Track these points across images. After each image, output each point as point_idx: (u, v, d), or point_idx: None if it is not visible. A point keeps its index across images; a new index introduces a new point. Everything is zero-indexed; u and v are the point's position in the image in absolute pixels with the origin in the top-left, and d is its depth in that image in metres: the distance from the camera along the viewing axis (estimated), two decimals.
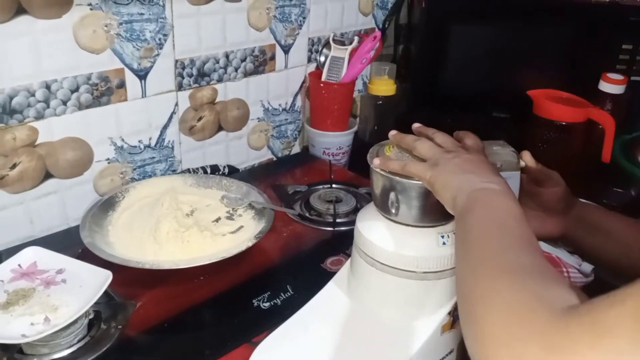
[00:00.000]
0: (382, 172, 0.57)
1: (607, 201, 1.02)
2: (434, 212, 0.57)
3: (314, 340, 0.60)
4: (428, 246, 0.57)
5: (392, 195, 0.57)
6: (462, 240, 0.49)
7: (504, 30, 1.13)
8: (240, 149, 1.10)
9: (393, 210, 0.57)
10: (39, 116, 0.80)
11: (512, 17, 1.12)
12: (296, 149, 1.23)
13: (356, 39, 1.14)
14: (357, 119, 1.25)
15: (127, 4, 0.83)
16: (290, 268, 0.80)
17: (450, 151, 0.56)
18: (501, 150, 0.63)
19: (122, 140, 0.91)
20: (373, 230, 0.60)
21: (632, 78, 1.10)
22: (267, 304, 0.71)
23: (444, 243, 0.56)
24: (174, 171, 1.00)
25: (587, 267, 0.83)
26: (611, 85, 1.06)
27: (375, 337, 0.59)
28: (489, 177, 0.52)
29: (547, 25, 1.13)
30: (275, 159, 1.19)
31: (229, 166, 1.07)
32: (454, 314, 0.60)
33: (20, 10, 0.74)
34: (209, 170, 1.02)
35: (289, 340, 0.60)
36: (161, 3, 0.87)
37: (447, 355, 0.62)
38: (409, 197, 0.56)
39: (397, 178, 0.56)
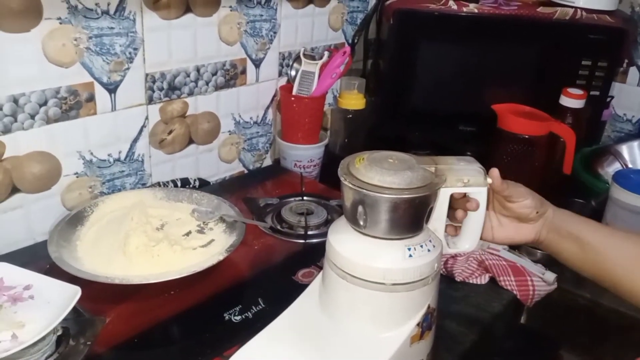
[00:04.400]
0: (351, 186, 0.58)
1: None
2: (402, 225, 0.58)
3: (284, 354, 0.60)
4: (396, 258, 0.58)
5: (361, 208, 0.58)
6: None
7: (471, 46, 1.17)
8: (211, 161, 1.10)
9: (362, 223, 0.59)
10: (6, 130, 0.79)
11: (478, 34, 1.15)
12: (268, 161, 1.23)
13: (326, 53, 1.16)
14: (328, 132, 1.27)
15: (97, 18, 0.83)
16: (262, 281, 0.80)
17: None
18: (468, 166, 0.64)
19: (91, 154, 0.90)
20: (344, 243, 0.61)
21: (592, 93, 1.14)
22: (238, 318, 0.71)
23: (410, 255, 0.58)
24: (143, 185, 0.99)
25: (550, 275, 0.86)
26: (571, 99, 1.10)
27: (346, 350, 0.60)
28: None
29: (512, 42, 1.17)
30: (246, 171, 1.19)
31: (200, 179, 1.07)
32: (422, 325, 0.61)
33: None
34: (179, 184, 1.02)
35: (260, 354, 0.60)
36: (131, 17, 0.87)
37: None
38: (377, 210, 0.57)
39: (366, 191, 0.57)
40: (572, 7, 1.15)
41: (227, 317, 0.71)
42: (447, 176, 0.61)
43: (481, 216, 0.65)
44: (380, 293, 0.58)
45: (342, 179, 0.58)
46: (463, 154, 0.68)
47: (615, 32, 1.13)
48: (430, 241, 0.60)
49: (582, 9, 1.14)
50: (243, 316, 0.72)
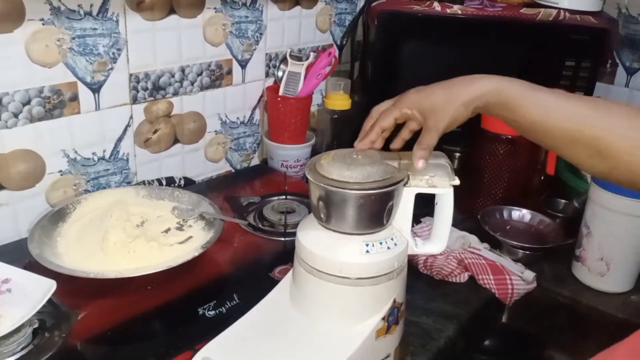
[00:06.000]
0: (317, 183, 0.59)
1: (551, 211, 1.06)
2: (360, 220, 0.59)
3: (254, 345, 0.61)
4: (353, 253, 0.59)
5: (321, 202, 0.59)
6: None
7: (455, 47, 1.17)
8: (197, 161, 1.12)
9: (322, 217, 0.60)
10: None
11: (462, 35, 1.16)
12: (255, 161, 1.25)
13: (312, 54, 1.17)
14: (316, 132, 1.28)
15: (79, 19, 0.85)
16: (239, 277, 0.81)
17: None
18: (434, 160, 0.65)
19: (76, 152, 0.92)
20: (311, 238, 0.62)
21: (575, 93, 1.15)
22: (212, 313, 0.73)
23: (367, 251, 0.59)
24: (129, 183, 1.01)
25: (529, 274, 0.87)
26: None
27: (312, 342, 0.61)
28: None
29: (496, 43, 1.17)
30: (233, 171, 1.20)
31: (185, 178, 1.08)
32: (388, 319, 0.62)
33: None
34: (164, 182, 1.03)
35: (230, 346, 0.62)
36: (114, 18, 0.89)
37: (383, 359, 0.64)
38: (335, 205, 0.58)
39: (332, 188, 0.58)
40: (555, 8, 1.15)
41: (201, 312, 0.72)
42: (410, 172, 0.62)
43: (448, 218, 0.65)
44: (345, 287, 0.59)
45: (305, 172, 0.60)
46: (447, 153, 0.68)
47: (597, 33, 1.13)
48: (392, 239, 0.61)
49: (565, 10, 1.15)
50: (217, 311, 0.73)
